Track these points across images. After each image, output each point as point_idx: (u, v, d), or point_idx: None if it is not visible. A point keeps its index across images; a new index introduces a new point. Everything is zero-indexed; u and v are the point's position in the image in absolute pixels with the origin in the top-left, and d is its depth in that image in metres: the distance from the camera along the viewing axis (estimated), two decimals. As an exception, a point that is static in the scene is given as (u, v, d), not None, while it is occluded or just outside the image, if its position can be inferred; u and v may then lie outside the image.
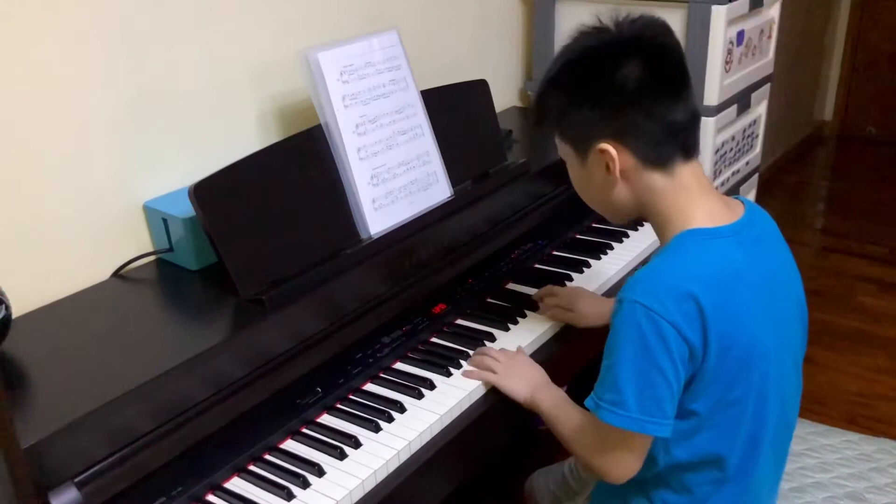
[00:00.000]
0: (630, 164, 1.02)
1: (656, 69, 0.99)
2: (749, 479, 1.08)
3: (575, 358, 1.46)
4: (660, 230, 1.07)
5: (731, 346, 0.98)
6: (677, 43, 1.03)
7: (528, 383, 1.21)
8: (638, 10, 1.04)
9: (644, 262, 1.64)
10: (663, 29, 1.03)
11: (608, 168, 1.03)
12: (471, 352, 1.31)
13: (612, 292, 1.52)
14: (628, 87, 0.99)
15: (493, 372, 1.23)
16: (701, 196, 1.04)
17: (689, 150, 1.03)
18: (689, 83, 1.02)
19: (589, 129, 1.03)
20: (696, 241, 1.01)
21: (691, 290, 0.96)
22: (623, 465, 1.05)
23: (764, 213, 1.11)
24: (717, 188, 1.46)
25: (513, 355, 1.27)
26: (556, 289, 1.45)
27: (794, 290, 1.12)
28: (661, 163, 1.02)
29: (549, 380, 1.22)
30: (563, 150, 1.10)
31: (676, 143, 1.01)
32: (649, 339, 0.96)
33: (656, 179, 1.03)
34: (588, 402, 1.04)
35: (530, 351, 1.34)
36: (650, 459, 1.06)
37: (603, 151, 1.02)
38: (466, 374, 1.25)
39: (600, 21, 1.02)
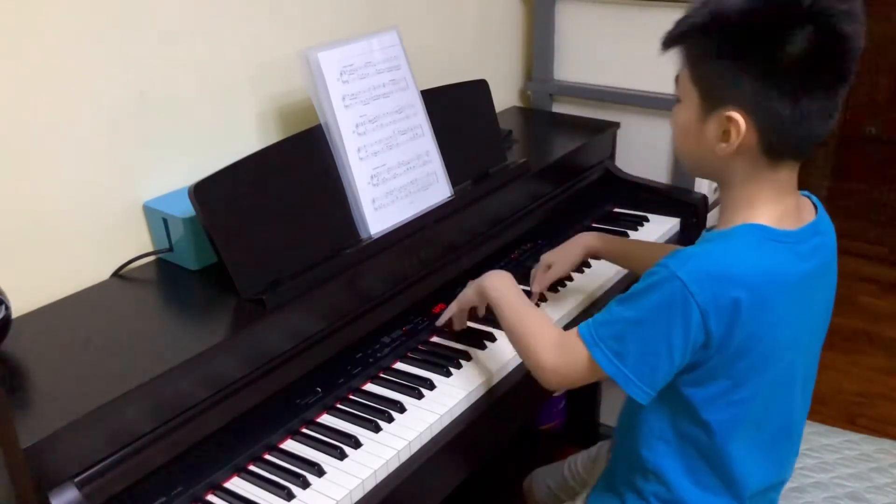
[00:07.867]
0: (750, 143, 0.95)
1: (826, 53, 0.90)
2: (739, 482, 1.07)
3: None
4: (728, 211, 1.02)
5: (751, 349, 0.97)
6: (857, 33, 0.92)
7: (482, 277, 1.22)
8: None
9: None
10: (849, 12, 0.91)
11: (726, 134, 0.96)
12: (471, 351, 1.31)
13: (611, 292, 1.52)
14: (786, 61, 0.89)
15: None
16: (784, 194, 1.00)
17: (804, 156, 0.99)
18: (847, 81, 0.93)
19: (726, 90, 0.94)
20: (757, 238, 0.97)
21: (736, 285, 0.93)
22: (565, 377, 1.05)
23: (828, 218, 1.08)
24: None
25: None
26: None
27: (829, 295, 1.10)
28: (775, 156, 0.97)
29: (511, 277, 1.22)
30: (685, 91, 1.00)
31: (802, 145, 0.96)
32: (675, 315, 0.94)
33: (762, 169, 0.98)
34: (583, 330, 1.01)
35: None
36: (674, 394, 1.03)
37: (730, 119, 0.94)
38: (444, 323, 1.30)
39: None
